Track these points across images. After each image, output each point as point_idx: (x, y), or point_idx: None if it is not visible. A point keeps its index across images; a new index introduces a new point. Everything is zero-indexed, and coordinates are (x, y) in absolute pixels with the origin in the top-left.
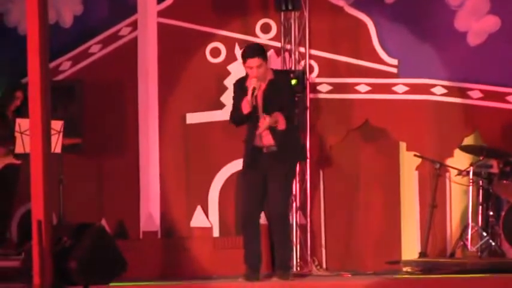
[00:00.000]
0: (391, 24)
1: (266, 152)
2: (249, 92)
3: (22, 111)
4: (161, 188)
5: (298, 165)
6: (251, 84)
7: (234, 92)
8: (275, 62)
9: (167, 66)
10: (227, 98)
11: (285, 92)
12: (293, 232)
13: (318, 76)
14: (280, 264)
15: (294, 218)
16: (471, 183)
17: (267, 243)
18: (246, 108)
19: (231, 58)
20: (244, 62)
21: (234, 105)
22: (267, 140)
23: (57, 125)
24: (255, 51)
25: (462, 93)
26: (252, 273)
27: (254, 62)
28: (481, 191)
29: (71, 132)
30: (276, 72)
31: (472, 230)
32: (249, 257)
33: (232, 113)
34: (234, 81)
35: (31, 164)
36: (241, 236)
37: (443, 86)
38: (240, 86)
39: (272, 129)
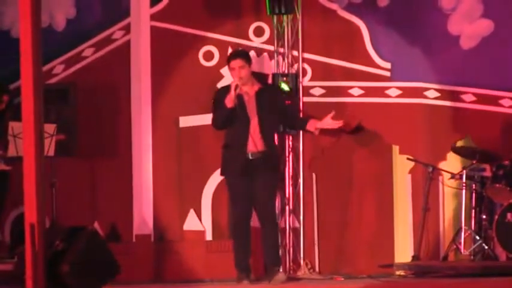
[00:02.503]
0: (384, 27)
1: (252, 158)
2: (232, 88)
3: (6, 114)
4: (154, 191)
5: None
6: (234, 82)
7: (217, 98)
8: (268, 66)
9: (160, 70)
10: None
11: (283, 98)
12: (286, 235)
13: (311, 80)
14: (276, 262)
15: (287, 222)
16: (464, 187)
17: (258, 246)
18: (229, 102)
19: (224, 61)
20: (228, 65)
21: (215, 107)
22: (257, 145)
23: (50, 128)
24: (237, 53)
25: (455, 96)
26: (245, 275)
27: (236, 63)
28: (474, 194)
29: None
30: (264, 83)
31: (465, 233)
32: (240, 261)
33: (213, 116)
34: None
35: (24, 167)
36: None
37: (436, 90)
38: (223, 92)
39: (265, 135)
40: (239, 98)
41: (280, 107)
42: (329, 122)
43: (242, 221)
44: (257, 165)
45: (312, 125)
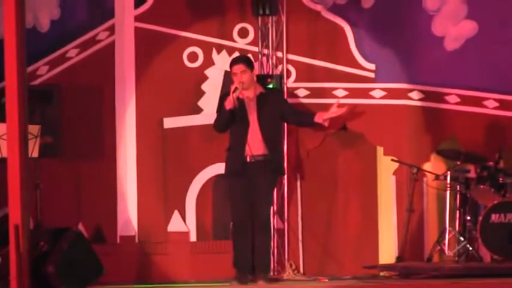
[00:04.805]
0: (368, 29)
1: (250, 161)
2: (231, 91)
3: None
4: (138, 193)
5: None
6: (233, 85)
7: (220, 101)
8: None
9: (144, 71)
10: (204, 102)
11: (285, 103)
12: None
13: (296, 81)
14: (265, 267)
15: (272, 223)
16: (448, 188)
17: None
18: (228, 104)
19: (208, 63)
20: (231, 71)
21: (217, 111)
22: (257, 149)
23: (34, 129)
24: (239, 58)
25: (439, 98)
26: (243, 276)
27: (238, 68)
28: (458, 195)
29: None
30: (266, 88)
31: (449, 234)
32: (240, 261)
33: (215, 119)
34: (218, 92)
35: (8, 169)
36: (218, 240)
37: (420, 91)
38: (226, 96)
39: (266, 139)
40: (240, 101)
41: (283, 108)
42: (335, 110)
43: (241, 223)
44: (256, 169)
45: (320, 118)
